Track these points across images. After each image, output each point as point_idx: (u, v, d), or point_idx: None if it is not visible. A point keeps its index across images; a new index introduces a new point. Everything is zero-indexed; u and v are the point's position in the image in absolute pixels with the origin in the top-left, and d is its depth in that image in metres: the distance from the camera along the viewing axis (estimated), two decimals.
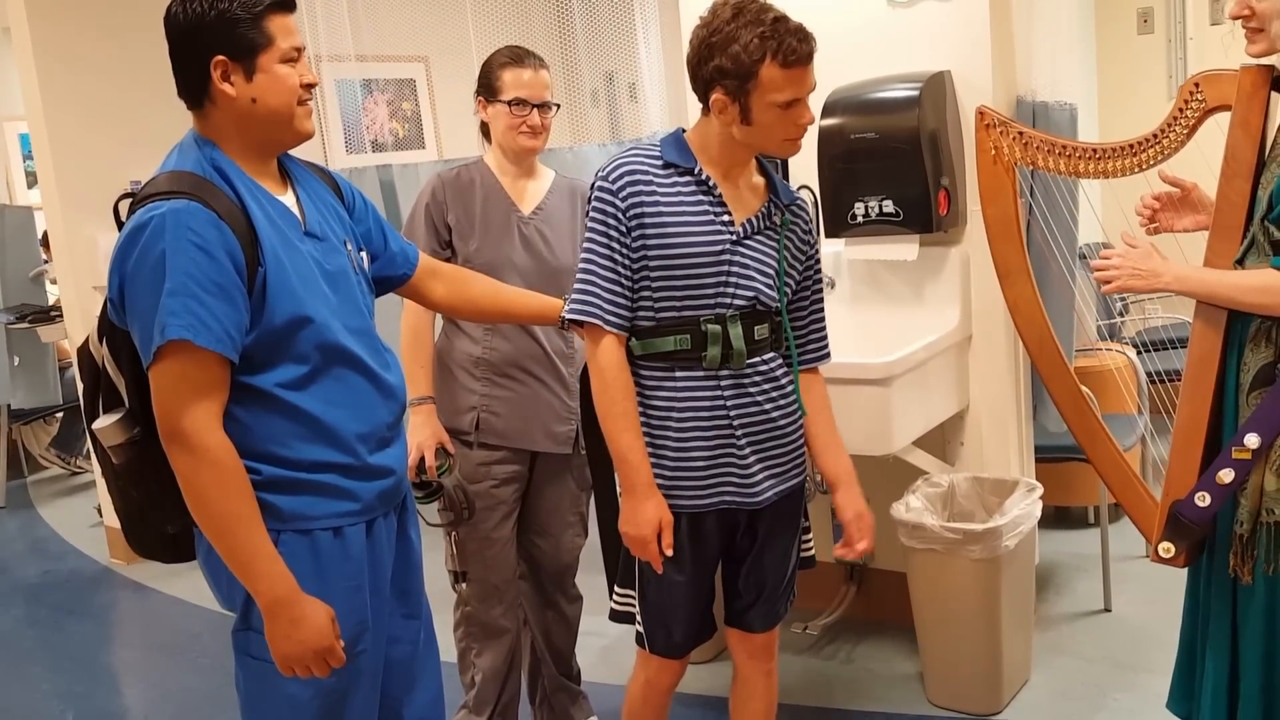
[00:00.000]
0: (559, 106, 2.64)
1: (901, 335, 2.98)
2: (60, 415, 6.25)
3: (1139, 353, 3.90)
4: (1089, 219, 3.28)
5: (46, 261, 5.78)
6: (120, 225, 1.79)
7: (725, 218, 2.02)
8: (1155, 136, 2.12)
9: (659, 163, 2.03)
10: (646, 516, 2.02)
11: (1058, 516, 4.06)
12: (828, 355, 2.25)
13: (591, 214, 2.02)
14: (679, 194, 2.01)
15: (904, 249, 3.04)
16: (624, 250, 2.00)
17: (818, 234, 3.26)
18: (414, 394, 2.55)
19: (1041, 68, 3.16)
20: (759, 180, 2.12)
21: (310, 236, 1.80)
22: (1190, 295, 2.06)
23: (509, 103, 2.53)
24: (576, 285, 2.03)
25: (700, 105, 2.03)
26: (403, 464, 1.92)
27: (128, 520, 1.85)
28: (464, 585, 2.65)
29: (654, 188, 2.00)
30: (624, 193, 1.99)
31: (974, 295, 3.12)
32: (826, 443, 2.23)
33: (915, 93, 2.91)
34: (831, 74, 3.13)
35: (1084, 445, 2.26)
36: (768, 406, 2.09)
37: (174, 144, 1.78)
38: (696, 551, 2.12)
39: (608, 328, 2.00)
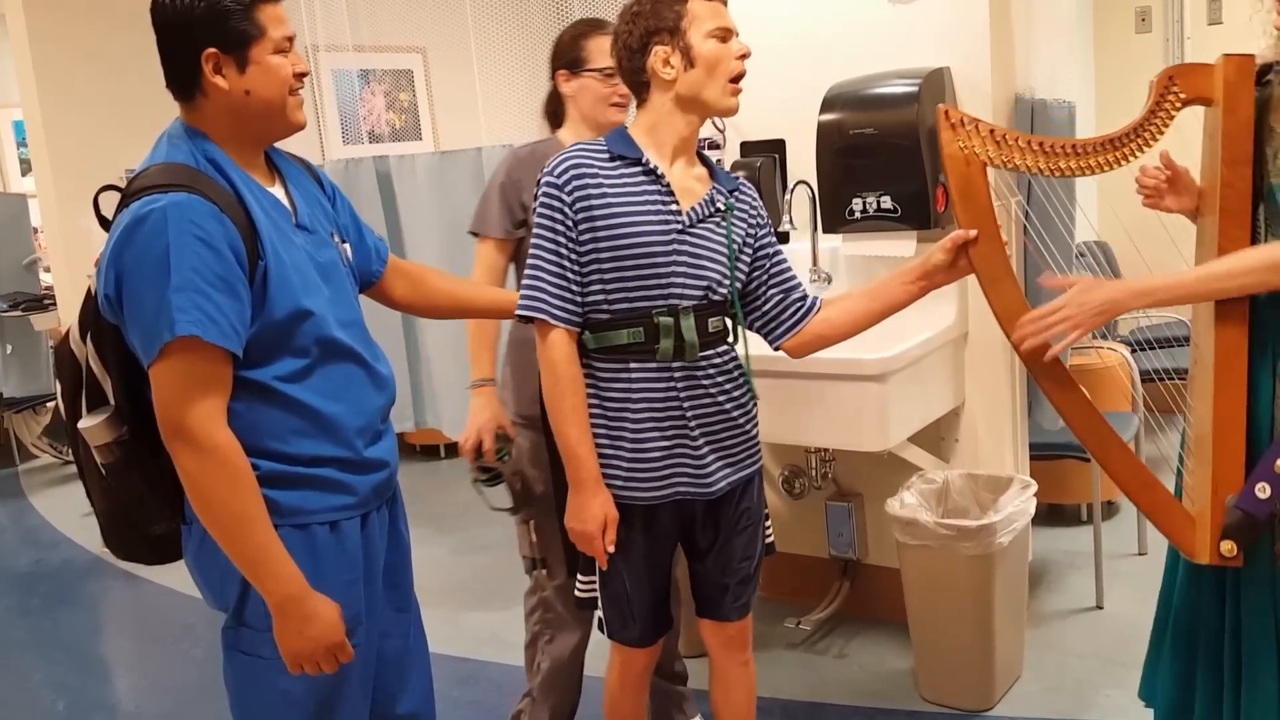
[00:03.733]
0: None
1: (897, 331, 2.97)
2: (52, 404, 6.24)
3: (1133, 351, 3.91)
4: (1085, 216, 3.28)
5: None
6: (100, 217, 1.76)
7: (673, 206, 2.05)
8: (1135, 131, 2.09)
9: (605, 156, 2.06)
10: (593, 512, 2.04)
11: (1050, 513, 4.06)
12: (817, 299, 2.25)
13: (539, 210, 2.04)
14: (626, 185, 2.04)
15: (901, 245, 3.03)
16: (570, 245, 2.02)
17: (814, 229, 3.27)
18: (476, 375, 2.52)
19: (1040, 65, 3.16)
20: (701, 170, 2.15)
21: (301, 229, 1.78)
22: (1157, 304, 2.02)
23: (601, 70, 2.46)
24: (525, 281, 2.05)
25: (637, 103, 2.10)
26: (395, 456, 1.92)
27: (110, 521, 1.82)
28: (542, 571, 2.60)
29: (600, 180, 2.03)
30: (569, 187, 2.02)
31: (970, 292, 3.12)
32: (874, 293, 2.22)
33: (915, 89, 2.90)
34: (831, 69, 3.14)
35: (1096, 454, 2.14)
36: (721, 399, 2.11)
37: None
38: (651, 544, 2.14)
39: (555, 322, 2.02)
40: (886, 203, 2.96)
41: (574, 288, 2.03)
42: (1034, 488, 2.93)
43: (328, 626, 1.69)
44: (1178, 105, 2.07)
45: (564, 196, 2.01)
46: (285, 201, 1.79)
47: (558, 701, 2.72)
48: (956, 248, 2.10)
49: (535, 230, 2.04)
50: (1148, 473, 2.14)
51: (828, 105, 3.04)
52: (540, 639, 2.70)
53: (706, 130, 3.44)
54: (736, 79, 2.07)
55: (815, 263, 3.30)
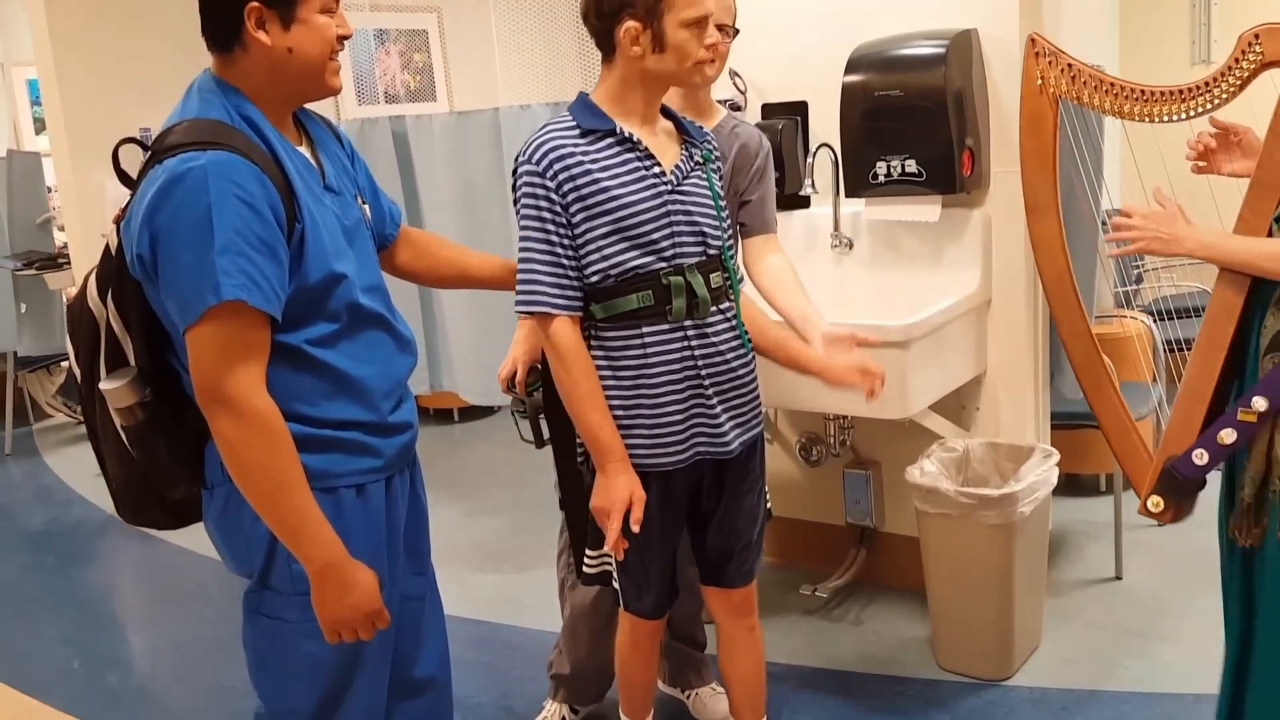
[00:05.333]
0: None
1: (920, 298, 2.94)
2: (66, 363, 6.24)
3: (1155, 320, 3.86)
4: (1109, 188, 3.23)
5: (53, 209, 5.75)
6: (120, 172, 1.72)
7: (655, 169, 2.02)
8: (1207, 85, 2.06)
9: (576, 132, 2.00)
10: (619, 492, 2.01)
11: (1069, 483, 4.03)
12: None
13: (523, 199, 1.99)
14: (605, 156, 2.00)
15: (926, 210, 2.99)
16: (560, 230, 1.98)
17: (836, 193, 3.22)
18: None
19: (1069, 27, 3.10)
20: (667, 124, 2.12)
21: (329, 190, 1.75)
22: (1214, 262, 2.03)
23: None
24: (520, 275, 2.01)
25: (602, 58, 2.03)
26: (416, 419, 1.90)
27: (126, 486, 1.78)
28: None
29: (578, 158, 1.98)
30: (550, 171, 1.97)
31: (995, 258, 3.08)
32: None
33: (942, 50, 2.85)
34: (856, 30, 3.09)
35: (1087, 391, 2.24)
36: (729, 355, 2.09)
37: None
38: (667, 511, 2.13)
39: (557, 312, 1.99)
40: (911, 166, 2.92)
41: (570, 273, 1.99)
42: (1056, 457, 2.90)
43: (366, 593, 1.67)
44: (1254, 65, 2.03)
45: (547, 182, 1.97)
46: (313, 162, 1.75)
47: (580, 655, 2.73)
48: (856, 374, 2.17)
49: (522, 220, 2.00)
50: (1128, 419, 2.22)
51: (852, 66, 2.99)
52: (565, 586, 2.72)
53: (728, 91, 3.39)
54: (705, 60, 2.02)
55: (837, 227, 3.25)
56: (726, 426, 2.10)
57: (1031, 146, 2.20)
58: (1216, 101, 2.06)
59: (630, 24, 1.94)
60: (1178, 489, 2.09)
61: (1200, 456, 2.05)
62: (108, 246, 1.70)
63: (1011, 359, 3.15)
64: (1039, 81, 2.16)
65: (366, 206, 1.88)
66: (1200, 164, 2.21)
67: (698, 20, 1.96)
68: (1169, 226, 2.04)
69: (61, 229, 5.63)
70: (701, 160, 2.10)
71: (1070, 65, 2.15)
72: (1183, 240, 2.03)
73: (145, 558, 4.41)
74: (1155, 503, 2.13)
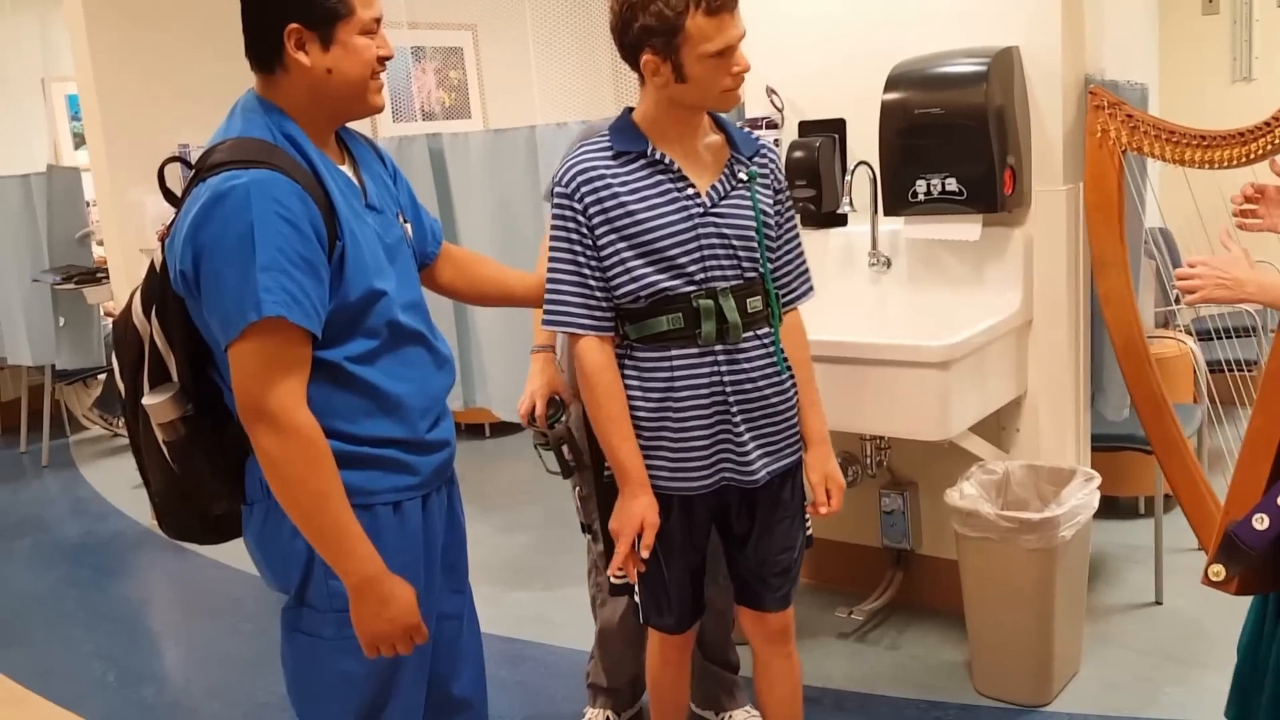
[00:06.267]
0: None
1: (960, 318, 2.91)
2: (103, 376, 6.29)
3: (1199, 340, 3.82)
4: (1150, 203, 3.19)
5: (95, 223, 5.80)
6: (165, 190, 1.74)
7: (689, 190, 1.99)
8: (1268, 125, 2.00)
9: (609, 154, 2.00)
10: (633, 513, 2.03)
11: (1108, 506, 3.96)
12: (810, 290, 2.18)
13: (553, 220, 2.01)
14: (635, 179, 1.98)
15: (966, 229, 2.96)
16: (588, 252, 1.99)
17: (875, 211, 3.20)
18: (538, 340, 2.53)
19: (1111, 46, 3.07)
20: (716, 138, 2.07)
21: (370, 209, 1.76)
22: (1274, 305, 1.97)
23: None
24: (547, 294, 2.02)
25: (637, 76, 2.00)
26: (454, 437, 1.90)
27: (166, 501, 1.80)
28: (588, 536, 2.65)
29: (608, 181, 1.98)
30: (579, 194, 1.98)
31: (1036, 278, 3.04)
32: (802, 398, 2.17)
33: (983, 68, 2.82)
34: (894, 47, 3.07)
35: (1158, 451, 2.17)
36: (762, 384, 2.06)
37: (228, 105, 1.73)
38: (689, 531, 2.12)
39: (584, 331, 2.00)
40: (952, 185, 2.89)
41: (597, 294, 1.99)
42: (1097, 480, 2.86)
43: (405, 608, 1.67)
44: None
45: (575, 205, 1.98)
46: (355, 181, 1.76)
47: (613, 663, 2.76)
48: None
49: (551, 240, 2.01)
50: (1205, 484, 2.14)
51: (892, 84, 2.97)
52: (595, 602, 2.75)
53: (764, 108, 3.38)
54: (732, 88, 1.97)
55: (875, 246, 3.23)
56: (753, 455, 2.07)
57: (1096, 202, 2.18)
58: (1278, 141, 2.01)
59: (649, 57, 1.92)
60: (1242, 557, 1.98)
61: (1261, 521, 1.94)
62: (152, 263, 1.71)
63: (1052, 380, 3.11)
64: (1099, 134, 2.13)
65: (409, 225, 1.89)
66: (1250, 222, 2.12)
67: (719, 52, 1.91)
68: (1231, 270, 1.98)
69: (100, 244, 5.68)
70: (746, 178, 2.06)
71: (1130, 116, 2.12)
72: (1244, 284, 1.96)
73: (181, 571, 4.43)
74: (1216, 571, 2.01)
